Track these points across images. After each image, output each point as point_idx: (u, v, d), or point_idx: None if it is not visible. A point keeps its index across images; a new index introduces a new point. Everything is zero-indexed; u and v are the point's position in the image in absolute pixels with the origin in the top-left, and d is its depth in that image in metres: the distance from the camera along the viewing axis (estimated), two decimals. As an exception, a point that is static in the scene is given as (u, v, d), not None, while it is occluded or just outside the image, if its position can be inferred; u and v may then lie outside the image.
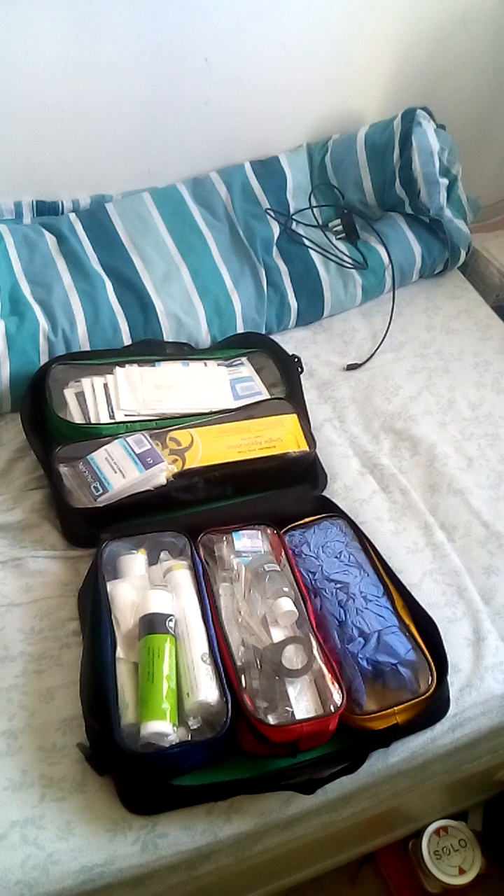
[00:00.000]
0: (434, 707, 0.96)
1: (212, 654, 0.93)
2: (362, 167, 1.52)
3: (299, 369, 1.37)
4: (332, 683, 0.91)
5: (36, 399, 1.23)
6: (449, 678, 0.98)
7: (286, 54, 1.46)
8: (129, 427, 1.20)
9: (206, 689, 0.89)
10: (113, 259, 1.41)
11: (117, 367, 1.27)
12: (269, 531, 1.09)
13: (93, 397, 1.24)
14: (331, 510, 1.16)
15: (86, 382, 1.25)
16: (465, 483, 1.24)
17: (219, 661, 0.92)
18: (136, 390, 1.25)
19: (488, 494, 1.24)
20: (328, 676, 0.92)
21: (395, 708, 0.93)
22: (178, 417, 1.23)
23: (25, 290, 1.34)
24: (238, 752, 0.92)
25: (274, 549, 1.07)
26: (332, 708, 0.89)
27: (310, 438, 1.23)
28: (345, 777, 0.92)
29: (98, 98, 1.37)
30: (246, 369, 1.36)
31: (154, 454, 1.14)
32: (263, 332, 1.46)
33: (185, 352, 1.37)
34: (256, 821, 0.91)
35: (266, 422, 1.24)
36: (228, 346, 1.41)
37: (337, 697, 0.90)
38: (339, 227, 1.54)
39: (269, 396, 1.31)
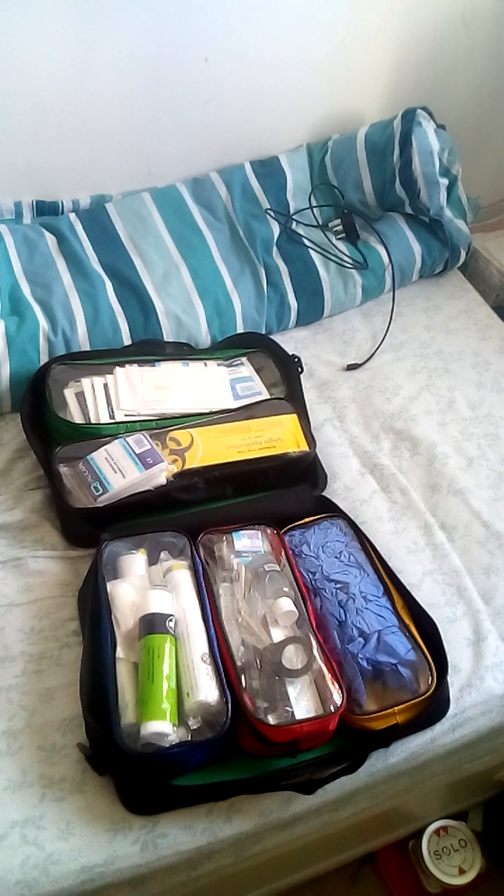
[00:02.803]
0: (434, 707, 0.96)
1: (212, 654, 0.93)
2: (362, 167, 1.52)
3: (299, 369, 1.37)
4: (332, 683, 0.91)
5: (36, 399, 1.23)
6: (449, 678, 0.98)
7: (286, 54, 1.46)
8: (129, 427, 1.20)
9: (206, 689, 0.89)
10: (113, 259, 1.41)
11: (117, 367, 1.27)
12: (269, 531, 1.09)
13: (93, 397, 1.24)
14: (331, 510, 1.16)
15: (86, 382, 1.25)
16: (465, 483, 1.24)
17: (219, 661, 0.92)
18: (136, 390, 1.25)
19: (488, 494, 1.24)
20: (328, 676, 0.92)
21: (395, 708, 0.93)
22: (178, 417, 1.23)
23: (25, 290, 1.34)
24: (238, 752, 0.92)
25: (274, 549, 1.07)
26: (332, 708, 0.89)
27: (310, 438, 1.23)
28: (345, 777, 0.92)
29: (98, 98, 1.37)
30: (246, 369, 1.36)
31: (154, 454, 1.14)
32: (263, 332, 1.45)
33: (185, 352, 1.37)
34: (256, 821, 0.91)
35: (266, 422, 1.24)
36: (228, 346, 1.41)
37: (337, 697, 0.90)
38: (339, 227, 1.54)
39: (269, 396, 1.31)
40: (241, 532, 1.07)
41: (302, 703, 0.90)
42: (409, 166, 1.45)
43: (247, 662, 0.93)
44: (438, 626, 1.01)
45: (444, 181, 1.49)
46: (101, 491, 1.10)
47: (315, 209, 1.55)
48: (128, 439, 1.16)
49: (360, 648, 0.96)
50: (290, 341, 1.48)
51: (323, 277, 1.48)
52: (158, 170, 1.52)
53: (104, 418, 1.21)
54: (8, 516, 1.16)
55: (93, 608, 0.99)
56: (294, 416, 1.25)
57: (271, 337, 1.43)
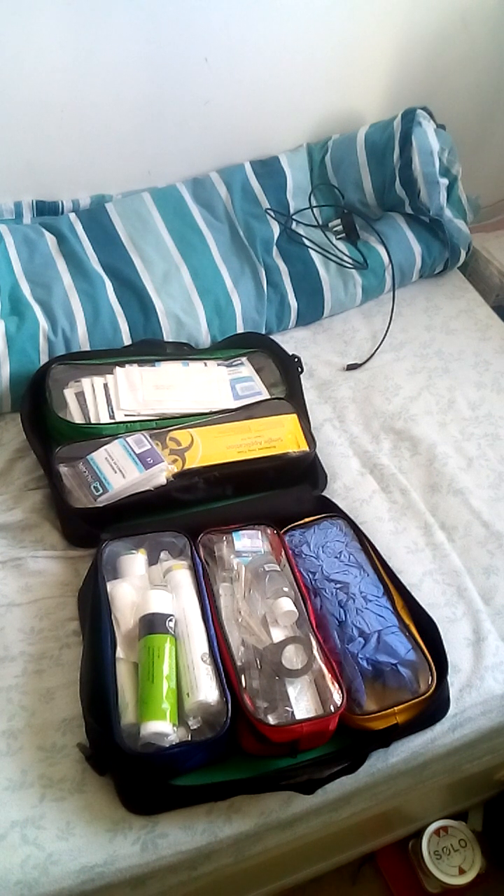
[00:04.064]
0: (434, 707, 0.96)
1: (212, 654, 0.93)
2: (362, 167, 1.52)
3: (299, 369, 1.37)
4: (332, 683, 0.91)
5: (36, 399, 1.23)
6: (449, 678, 0.98)
7: (286, 54, 1.46)
8: (129, 427, 1.20)
9: (206, 689, 0.89)
10: (113, 259, 1.41)
11: (117, 367, 1.27)
12: (269, 531, 1.09)
13: (93, 397, 1.24)
14: (331, 510, 1.16)
15: (86, 382, 1.25)
16: (465, 483, 1.24)
17: (219, 661, 0.92)
18: (136, 390, 1.25)
19: (488, 494, 1.24)
20: (328, 676, 0.92)
21: (395, 708, 0.93)
22: (178, 417, 1.23)
23: (25, 290, 1.34)
24: (238, 752, 0.92)
25: (274, 549, 1.07)
26: (332, 708, 0.89)
27: (310, 438, 1.23)
28: (345, 777, 0.92)
29: (98, 98, 1.37)
30: (246, 369, 1.36)
31: (154, 454, 1.14)
32: (263, 332, 1.46)
33: (185, 352, 1.37)
34: (256, 821, 0.91)
35: (266, 422, 1.24)
36: (228, 346, 1.41)
37: (337, 697, 0.90)
38: (339, 227, 1.54)
39: (269, 396, 1.31)
40: (241, 532, 1.07)
41: (302, 703, 0.90)
42: (409, 166, 1.45)
43: (247, 662, 0.93)
44: (438, 626, 1.01)
45: (444, 181, 1.49)
46: (101, 491, 1.10)
47: (315, 209, 1.55)
48: (128, 439, 1.16)
49: (360, 648, 0.96)
50: (290, 341, 1.48)
51: (323, 277, 1.48)
52: (158, 170, 1.52)
53: (104, 418, 1.21)
54: (8, 516, 1.16)
55: (93, 608, 0.99)
56: (294, 416, 1.25)
57: (271, 337, 1.43)
